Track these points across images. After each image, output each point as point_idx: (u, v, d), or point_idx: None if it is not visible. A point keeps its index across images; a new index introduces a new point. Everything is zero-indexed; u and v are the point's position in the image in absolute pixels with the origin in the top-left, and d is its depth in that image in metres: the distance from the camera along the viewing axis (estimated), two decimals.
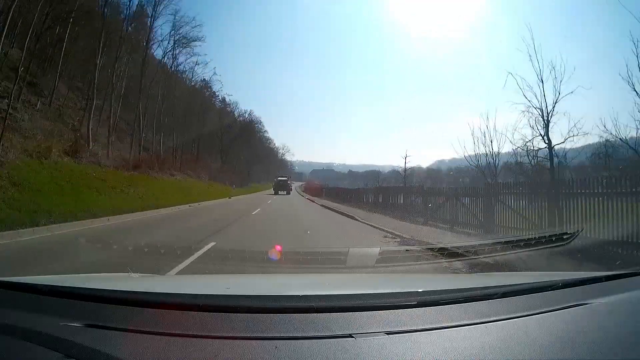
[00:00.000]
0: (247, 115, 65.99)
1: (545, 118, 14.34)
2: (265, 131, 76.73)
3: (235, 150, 56.01)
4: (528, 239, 5.06)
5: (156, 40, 29.94)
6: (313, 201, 27.47)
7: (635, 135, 13.69)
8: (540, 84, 14.21)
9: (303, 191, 54.89)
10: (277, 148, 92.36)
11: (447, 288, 1.58)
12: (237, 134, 57.14)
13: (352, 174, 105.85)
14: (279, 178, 47.13)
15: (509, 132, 23.85)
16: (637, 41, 12.16)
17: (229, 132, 54.34)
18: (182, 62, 35.07)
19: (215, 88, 47.63)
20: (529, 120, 15.34)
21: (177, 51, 31.90)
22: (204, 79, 41.67)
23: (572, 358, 1.00)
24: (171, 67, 33.74)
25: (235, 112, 61.48)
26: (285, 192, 42.26)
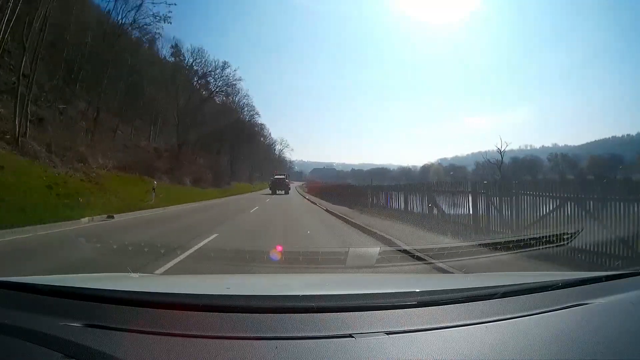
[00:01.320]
0: (218, 70, 39.89)
1: None
2: (256, 114, 59.19)
3: (212, 133, 39.08)
4: (529, 238, 5.16)
5: None
6: (365, 230, 9.12)
7: None
8: None
9: (307, 192, 42.28)
10: (273, 141, 78.78)
11: (446, 288, 1.58)
12: (201, 102, 38.57)
13: (355, 173, 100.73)
14: (276, 176, 42.66)
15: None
16: None
17: (189, 93, 36.69)
18: None
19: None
20: None
21: None
22: None
23: (572, 358, 1.00)
24: None
25: (197, 64, 38.92)
26: (283, 192, 38.49)
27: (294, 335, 1.06)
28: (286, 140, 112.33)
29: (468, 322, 1.18)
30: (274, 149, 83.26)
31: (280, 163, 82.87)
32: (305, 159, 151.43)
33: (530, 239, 5.10)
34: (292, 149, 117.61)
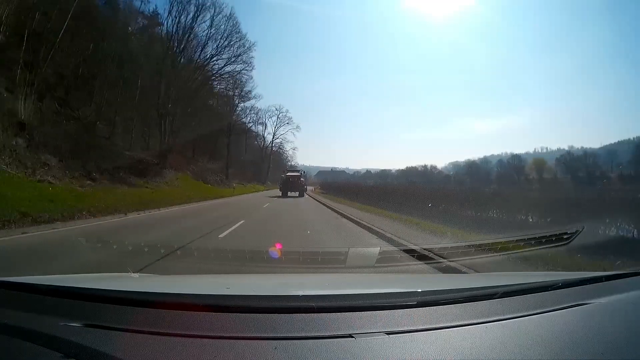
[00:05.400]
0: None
1: None
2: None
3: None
4: (529, 238, 5.16)
5: None
6: None
7: None
8: None
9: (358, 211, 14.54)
10: (265, 109, 55.08)
11: (447, 288, 1.58)
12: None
13: (375, 175, 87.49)
14: (288, 174, 33.69)
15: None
16: None
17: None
18: None
19: None
20: None
21: None
22: None
23: (572, 358, 1.00)
24: None
25: None
26: (297, 194, 29.89)
27: (293, 335, 1.06)
28: (286, 110, 69.38)
29: (468, 322, 1.18)
30: (264, 128, 58.85)
31: (279, 158, 62.70)
32: (307, 163, 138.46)
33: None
34: (297, 127, 62.71)
